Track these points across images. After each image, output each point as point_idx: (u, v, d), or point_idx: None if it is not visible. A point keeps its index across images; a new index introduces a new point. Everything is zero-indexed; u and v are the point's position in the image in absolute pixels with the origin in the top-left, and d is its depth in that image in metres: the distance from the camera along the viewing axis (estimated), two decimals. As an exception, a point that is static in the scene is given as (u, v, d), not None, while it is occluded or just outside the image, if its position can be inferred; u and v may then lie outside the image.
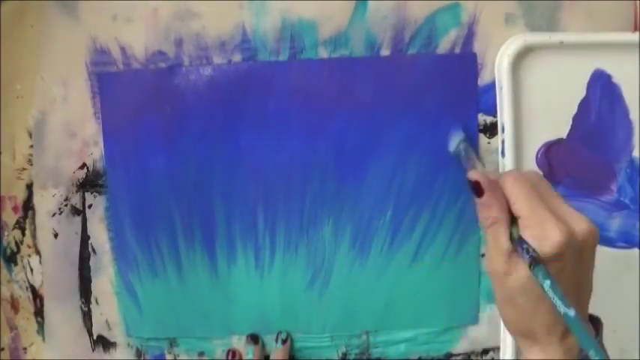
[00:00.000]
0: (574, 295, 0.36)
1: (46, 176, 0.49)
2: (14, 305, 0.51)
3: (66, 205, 0.49)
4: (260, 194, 0.48)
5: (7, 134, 0.49)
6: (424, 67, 0.47)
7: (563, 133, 0.48)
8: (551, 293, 0.34)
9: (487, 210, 0.38)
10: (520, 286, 0.37)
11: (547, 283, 0.34)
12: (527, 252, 0.35)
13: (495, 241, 0.37)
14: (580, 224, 0.36)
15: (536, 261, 0.35)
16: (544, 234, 0.35)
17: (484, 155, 0.48)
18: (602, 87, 0.47)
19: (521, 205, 0.37)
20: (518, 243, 0.36)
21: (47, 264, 0.50)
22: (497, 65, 0.47)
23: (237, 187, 0.48)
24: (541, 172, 0.39)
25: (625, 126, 0.48)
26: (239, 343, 0.50)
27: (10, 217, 0.50)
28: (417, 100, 0.47)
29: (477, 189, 0.39)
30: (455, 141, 0.46)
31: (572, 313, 0.34)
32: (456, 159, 0.46)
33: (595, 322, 0.40)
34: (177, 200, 0.48)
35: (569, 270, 0.36)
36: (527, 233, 0.36)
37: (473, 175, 0.39)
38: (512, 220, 0.38)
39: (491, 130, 0.48)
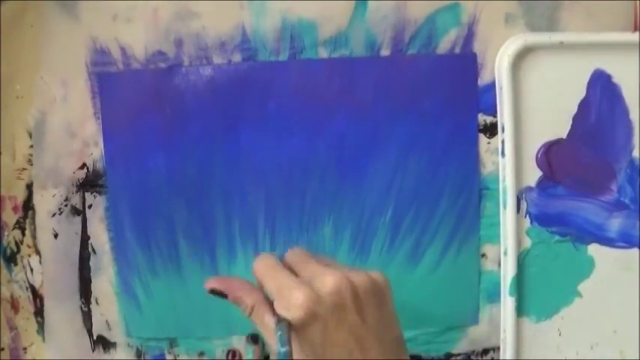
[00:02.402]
0: (356, 346, 0.36)
1: (46, 176, 0.49)
2: (14, 305, 0.51)
3: (66, 205, 0.49)
4: (260, 194, 0.48)
5: (7, 134, 0.49)
6: (424, 67, 0.47)
7: (563, 133, 0.48)
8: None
9: (241, 302, 0.39)
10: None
11: (280, 350, 0.34)
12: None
13: (262, 322, 0.37)
14: (324, 280, 0.36)
15: (279, 321, 0.35)
16: (289, 302, 0.35)
17: (484, 155, 0.48)
18: (602, 87, 0.47)
19: (267, 284, 0.37)
20: (276, 318, 0.36)
21: (47, 264, 0.50)
22: (497, 65, 0.47)
23: (237, 186, 0.48)
24: (305, 251, 0.41)
25: (625, 126, 0.48)
26: (239, 343, 0.50)
27: (10, 217, 0.50)
28: (417, 100, 0.47)
29: (220, 294, 0.39)
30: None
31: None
32: None
33: None
34: (177, 200, 0.48)
35: (338, 325, 0.35)
36: (278, 306, 0.36)
37: (208, 284, 0.40)
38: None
39: (491, 130, 0.48)
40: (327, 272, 0.36)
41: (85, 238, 0.50)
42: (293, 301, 0.35)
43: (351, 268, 0.38)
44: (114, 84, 0.47)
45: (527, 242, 0.49)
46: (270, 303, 0.37)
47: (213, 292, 0.40)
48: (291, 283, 0.36)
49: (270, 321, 0.36)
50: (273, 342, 0.35)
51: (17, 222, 0.50)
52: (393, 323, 0.38)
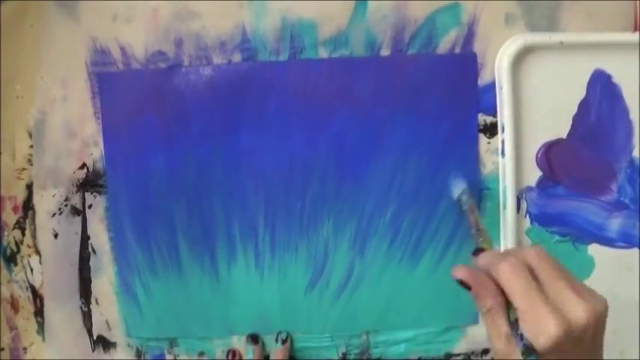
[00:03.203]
0: None
1: (46, 176, 0.49)
2: (14, 305, 0.51)
3: (66, 205, 0.49)
4: (260, 194, 0.48)
5: (7, 134, 0.49)
6: (424, 67, 0.47)
7: (563, 133, 0.48)
8: None
9: (480, 300, 0.38)
10: None
11: None
12: (522, 339, 0.36)
13: (493, 325, 0.37)
14: (578, 312, 0.36)
15: (529, 351, 0.36)
16: (540, 329, 0.35)
17: (484, 155, 0.48)
18: (602, 87, 0.47)
19: (516, 297, 0.37)
20: (514, 328, 0.37)
21: (47, 264, 0.50)
22: (497, 65, 0.47)
23: (237, 187, 0.48)
24: (542, 249, 0.38)
25: (625, 126, 0.48)
26: (239, 343, 0.50)
27: (10, 217, 0.50)
28: (417, 100, 0.47)
29: (464, 285, 0.39)
30: (457, 190, 0.46)
31: None
32: (458, 207, 0.46)
33: None
34: (178, 200, 0.48)
35: (575, 352, 0.36)
36: (524, 327, 0.36)
37: (457, 273, 0.39)
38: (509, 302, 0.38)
39: (491, 130, 0.48)
40: (581, 304, 0.36)
41: (85, 238, 0.50)
42: (544, 330, 0.35)
43: (589, 291, 0.38)
44: (114, 84, 0.47)
45: (527, 242, 0.49)
46: (505, 308, 0.37)
47: (460, 282, 0.39)
48: (543, 310, 0.36)
49: (503, 327, 0.37)
50: (499, 345, 0.36)
51: (17, 222, 0.50)
52: (602, 344, 0.39)
